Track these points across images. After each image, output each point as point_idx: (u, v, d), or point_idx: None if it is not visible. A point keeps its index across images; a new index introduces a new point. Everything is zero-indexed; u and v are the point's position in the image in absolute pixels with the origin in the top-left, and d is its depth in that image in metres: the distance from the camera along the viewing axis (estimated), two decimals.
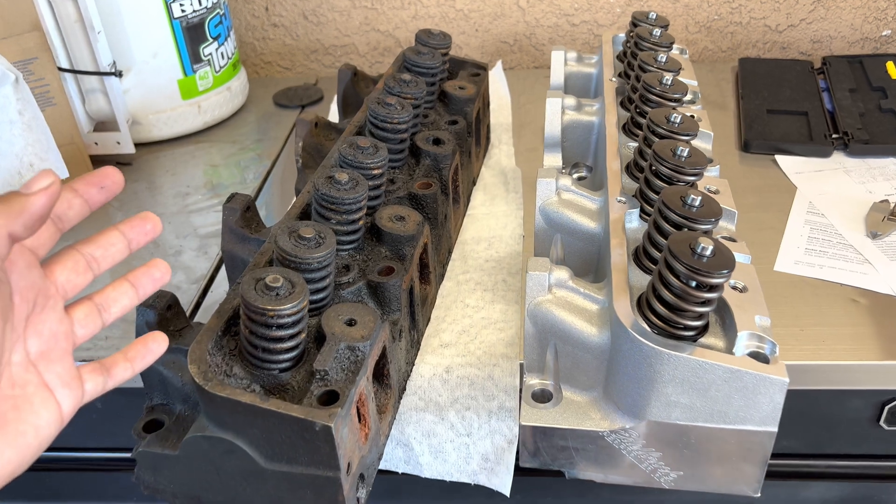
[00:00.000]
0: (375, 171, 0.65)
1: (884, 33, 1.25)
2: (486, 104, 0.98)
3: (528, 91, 1.18)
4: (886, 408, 0.70)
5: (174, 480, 0.53)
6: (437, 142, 0.78)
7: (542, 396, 0.56)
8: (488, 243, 0.83)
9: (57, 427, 0.43)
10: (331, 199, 0.60)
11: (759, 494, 0.54)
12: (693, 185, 0.64)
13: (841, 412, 0.72)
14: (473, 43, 1.31)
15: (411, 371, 0.66)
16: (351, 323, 0.54)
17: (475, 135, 0.91)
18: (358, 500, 0.54)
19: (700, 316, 0.52)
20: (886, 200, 0.83)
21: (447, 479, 0.70)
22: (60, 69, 0.93)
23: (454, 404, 0.67)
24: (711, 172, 0.72)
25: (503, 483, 0.69)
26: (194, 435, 0.50)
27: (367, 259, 0.63)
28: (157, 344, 0.48)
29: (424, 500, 0.78)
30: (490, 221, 0.86)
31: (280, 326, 0.50)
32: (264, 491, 0.52)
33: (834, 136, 0.96)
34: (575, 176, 0.84)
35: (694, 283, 0.50)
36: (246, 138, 1.10)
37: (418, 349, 0.68)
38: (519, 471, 0.70)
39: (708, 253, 0.50)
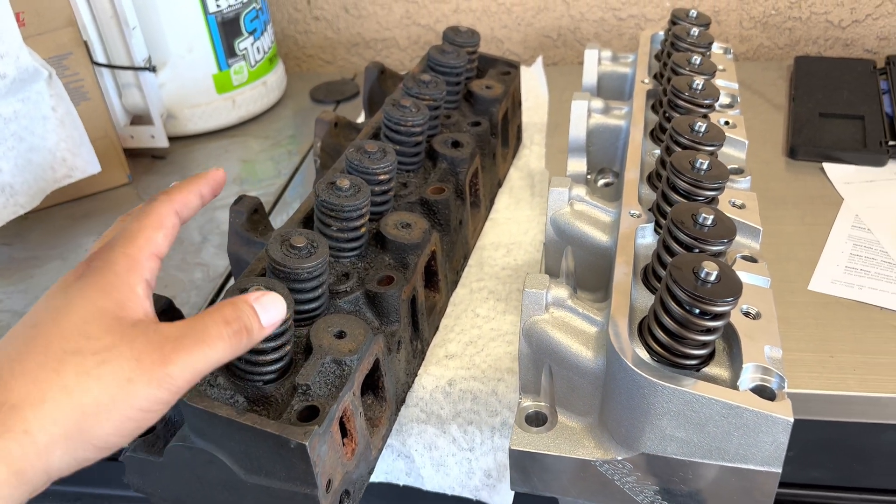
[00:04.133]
0: (382, 177, 0.64)
1: None
2: (517, 103, 0.95)
3: (569, 88, 1.14)
4: None
5: (160, 485, 0.53)
6: (455, 144, 0.76)
7: (535, 419, 0.54)
8: (507, 250, 0.80)
9: None
10: (330, 205, 0.58)
11: None
12: (713, 199, 0.60)
13: (875, 446, 0.67)
14: (516, 37, 1.28)
15: (413, 382, 0.65)
16: (340, 335, 0.53)
17: (501, 136, 0.88)
18: None
19: (704, 344, 0.48)
20: None
21: (449, 492, 0.69)
22: (96, 64, 0.95)
23: (456, 418, 0.65)
24: (742, 184, 0.67)
25: (504, 501, 0.67)
26: (176, 444, 0.50)
27: (368, 267, 0.62)
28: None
29: None
30: (511, 227, 0.84)
31: (262, 339, 0.49)
32: (246, 502, 0.51)
33: (890, 143, 0.89)
34: (601, 182, 0.80)
35: (696, 311, 0.47)
36: (279, 134, 1.10)
37: (422, 359, 0.67)
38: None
39: (712, 279, 0.46)
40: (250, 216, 0.66)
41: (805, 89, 1.03)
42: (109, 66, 0.97)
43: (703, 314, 0.47)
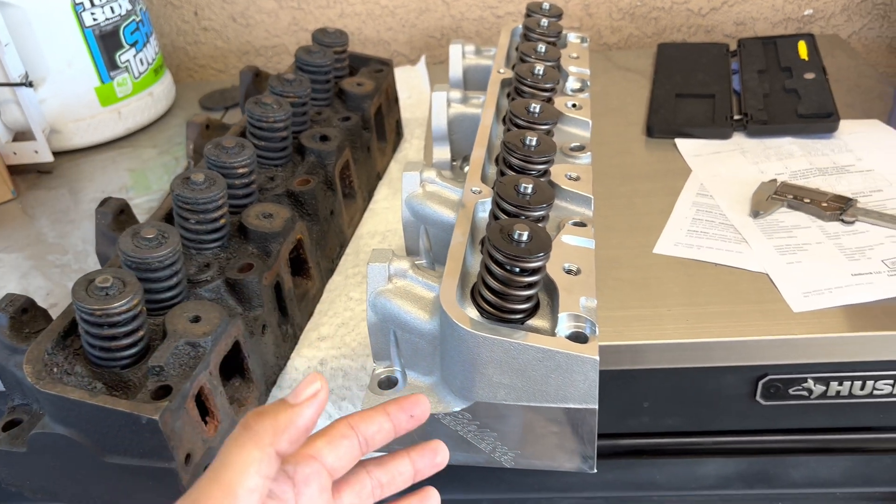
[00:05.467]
0: (241, 171, 0.67)
1: (805, 13, 1.26)
2: (393, 99, 1.00)
3: None
4: (760, 383, 0.72)
5: (29, 476, 0.55)
6: (323, 138, 0.80)
7: (388, 383, 0.58)
8: (383, 237, 0.84)
9: None
10: (185, 199, 0.61)
11: (594, 470, 0.56)
12: (545, 173, 0.66)
13: (718, 389, 0.73)
14: (401, 38, 1.33)
15: (284, 365, 0.68)
16: (196, 320, 0.56)
17: (376, 130, 0.92)
18: None
19: (526, 299, 0.53)
20: (774, 179, 0.84)
21: None
22: None
23: (329, 395, 0.69)
24: (583, 160, 0.73)
25: None
26: (37, 432, 0.52)
27: (230, 257, 0.65)
28: None
29: None
30: (388, 216, 0.88)
31: (112, 325, 0.51)
32: (111, 483, 0.54)
33: (736, 117, 0.97)
34: (466, 168, 0.85)
35: (513, 269, 0.51)
36: (169, 142, 1.12)
37: (295, 343, 0.70)
38: None
39: (524, 239, 0.51)
40: (116, 217, 0.68)
41: (665, 73, 1.10)
42: None
43: (522, 272, 0.52)
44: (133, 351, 0.53)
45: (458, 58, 0.93)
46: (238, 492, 0.38)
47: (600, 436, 0.76)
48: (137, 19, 1.10)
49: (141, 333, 0.53)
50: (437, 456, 0.47)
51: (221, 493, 0.38)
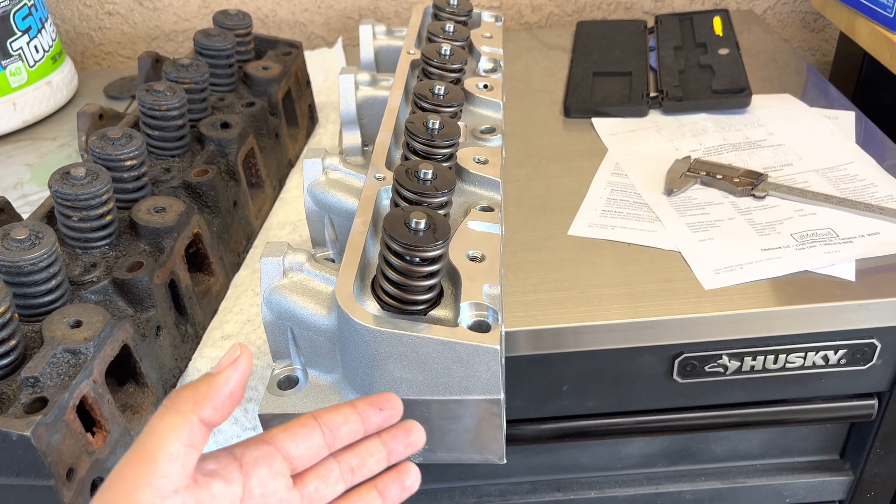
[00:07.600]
0: (129, 163, 0.63)
1: None
2: (305, 83, 0.96)
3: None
4: (676, 362, 0.71)
5: None
6: (224, 126, 0.76)
7: (288, 383, 0.55)
8: (293, 227, 0.81)
9: None
10: (65, 195, 0.57)
11: (504, 461, 0.54)
12: (451, 157, 0.64)
13: (636, 369, 0.73)
14: (318, 20, 1.29)
15: (185, 367, 0.65)
16: (76, 325, 0.52)
17: (285, 115, 0.89)
18: None
19: (427, 290, 0.51)
20: (688, 157, 0.84)
21: None
22: None
23: None
24: (493, 142, 0.71)
25: None
26: None
27: (120, 256, 0.61)
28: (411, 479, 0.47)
29: None
30: (300, 205, 0.85)
31: None
32: None
33: (652, 94, 0.97)
34: None
35: (412, 259, 0.49)
36: (69, 134, 1.06)
37: (197, 343, 0.67)
38: None
39: (422, 227, 0.49)
40: None
41: (583, 51, 1.09)
42: None
43: (421, 262, 0.50)
44: (4, 362, 0.49)
45: (369, 39, 0.90)
46: (157, 457, 0.37)
47: (523, 421, 0.76)
48: (30, 4, 1.03)
49: (12, 343, 0.50)
50: (410, 435, 0.46)
51: (141, 460, 0.37)
